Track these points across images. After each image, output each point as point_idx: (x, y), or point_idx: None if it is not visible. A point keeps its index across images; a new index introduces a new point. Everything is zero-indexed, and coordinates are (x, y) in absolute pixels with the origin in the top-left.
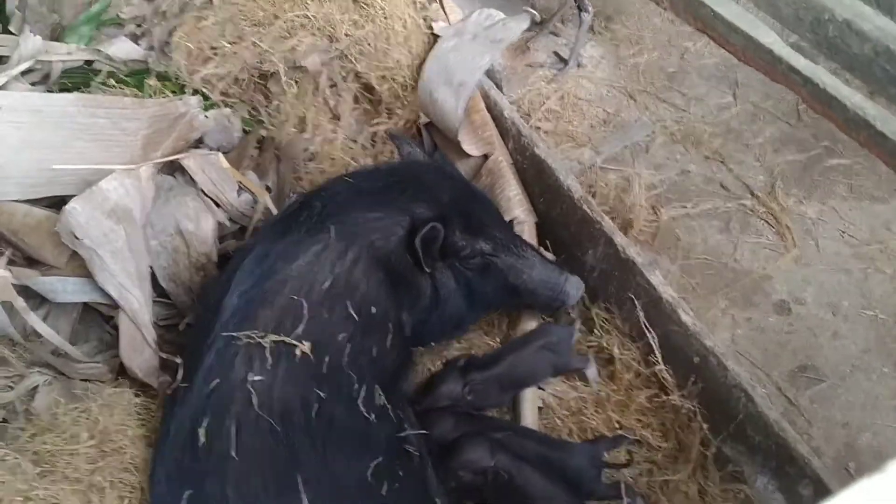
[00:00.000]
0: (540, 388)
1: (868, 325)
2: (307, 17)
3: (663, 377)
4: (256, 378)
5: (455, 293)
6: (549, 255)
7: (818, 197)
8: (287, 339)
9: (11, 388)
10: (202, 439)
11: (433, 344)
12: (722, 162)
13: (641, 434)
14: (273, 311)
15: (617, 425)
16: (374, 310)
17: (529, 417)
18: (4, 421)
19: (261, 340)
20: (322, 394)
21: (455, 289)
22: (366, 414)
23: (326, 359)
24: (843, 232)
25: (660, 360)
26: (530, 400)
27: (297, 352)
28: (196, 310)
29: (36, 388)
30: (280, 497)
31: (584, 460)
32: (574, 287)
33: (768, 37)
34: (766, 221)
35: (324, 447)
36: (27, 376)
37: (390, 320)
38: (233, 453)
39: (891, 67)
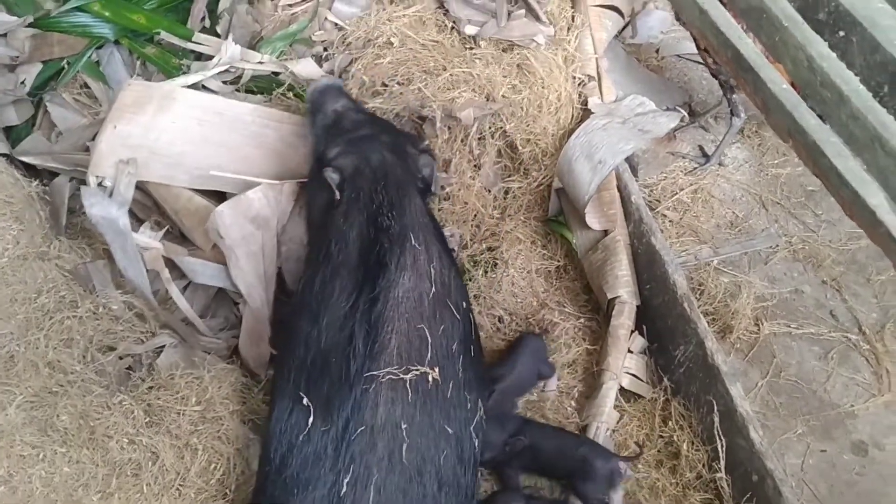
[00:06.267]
0: None
1: None
2: (472, 74)
3: (721, 486)
4: None
5: None
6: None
7: None
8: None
9: (142, 342)
10: None
11: None
12: (838, 290)
13: None
14: None
15: None
16: None
17: None
18: (129, 369)
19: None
20: None
21: None
22: None
23: None
24: None
25: (722, 468)
26: None
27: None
28: None
29: (163, 347)
30: None
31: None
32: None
33: (875, 198)
34: (867, 360)
35: None
36: (158, 335)
37: None
38: None
39: None
